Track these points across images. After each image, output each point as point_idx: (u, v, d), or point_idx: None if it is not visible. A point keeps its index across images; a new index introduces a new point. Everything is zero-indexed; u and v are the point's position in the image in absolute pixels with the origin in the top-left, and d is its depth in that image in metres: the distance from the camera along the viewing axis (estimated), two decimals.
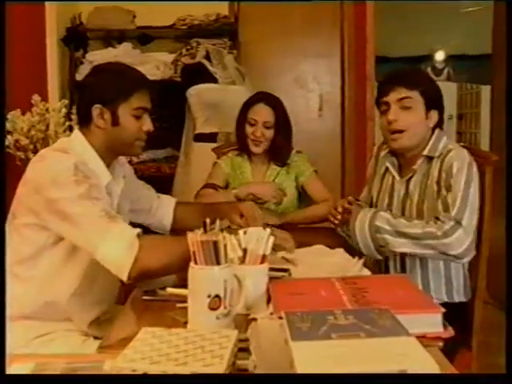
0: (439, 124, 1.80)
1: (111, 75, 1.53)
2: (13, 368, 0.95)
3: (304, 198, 2.37)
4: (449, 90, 8.16)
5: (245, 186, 2.23)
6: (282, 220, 2.16)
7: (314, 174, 2.35)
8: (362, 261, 1.52)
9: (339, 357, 0.76)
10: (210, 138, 3.12)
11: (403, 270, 1.80)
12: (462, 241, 1.59)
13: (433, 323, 1.06)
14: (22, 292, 1.46)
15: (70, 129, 2.65)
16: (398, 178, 1.84)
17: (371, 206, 1.93)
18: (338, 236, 1.85)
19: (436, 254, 1.62)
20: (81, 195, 1.35)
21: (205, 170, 2.52)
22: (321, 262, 1.57)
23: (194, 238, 1.06)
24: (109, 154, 1.54)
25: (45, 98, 2.92)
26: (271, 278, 1.26)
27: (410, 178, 1.80)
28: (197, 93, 3.10)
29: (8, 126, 2.59)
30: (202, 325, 1.04)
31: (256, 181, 2.32)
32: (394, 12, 5.78)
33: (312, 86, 4.04)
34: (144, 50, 3.52)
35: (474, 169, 1.68)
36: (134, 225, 1.77)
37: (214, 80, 3.14)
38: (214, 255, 1.05)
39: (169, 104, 3.27)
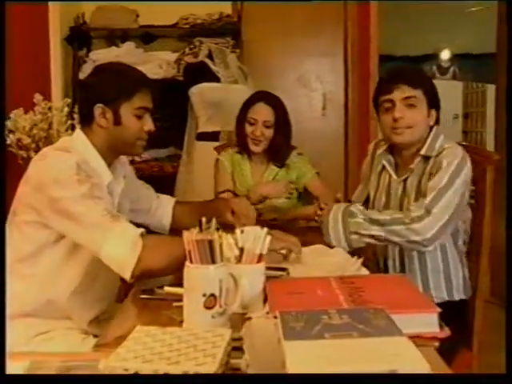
0: (436, 123, 1.80)
1: (113, 75, 1.54)
2: (7, 366, 0.95)
3: (304, 198, 2.37)
4: (454, 89, 8.14)
5: (254, 188, 2.23)
6: (282, 216, 2.16)
7: (316, 175, 2.36)
8: (360, 260, 1.52)
9: (331, 357, 0.76)
10: (212, 136, 3.12)
11: (402, 269, 1.80)
12: (427, 228, 1.59)
13: (429, 323, 1.05)
14: (23, 290, 1.47)
15: (73, 128, 2.65)
16: (395, 177, 1.83)
17: (367, 205, 1.93)
18: None
19: (403, 241, 1.62)
20: (84, 194, 1.36)
21: (207, 168, 2.53)
22: (320, 262, 1.56)
23: (190, 237, 1.06)
24: (110, 154, 1.54)
25: (48, 97, 2.93)
26: (269, 277, 1.26)
27: (407, 177, 1.79)
28: (199, 92, 3.11)
29: (10, 124, 2.60)
30: (197, 324, 1.04)
31: (262, 182, 2.32)
32: (398, 12, 5.77)
33: (315, 86, 4.04)
34: (147, 49, 3.53)
35: (465, 168, 1.67)
36: (135, 224, 1.79)
37: (217, 79, 3.14)
38: (210, 254, 1.05)
39: (171, 103, 3.28)
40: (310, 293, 1.16)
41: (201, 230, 1.09)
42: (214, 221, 1.12)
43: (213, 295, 1.04)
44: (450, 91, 8.11)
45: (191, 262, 1.06)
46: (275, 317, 0.91)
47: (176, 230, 1.79)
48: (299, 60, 3.99)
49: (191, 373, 0.77)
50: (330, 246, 1.71)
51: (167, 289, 1.31)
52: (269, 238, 1.20)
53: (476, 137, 7.97)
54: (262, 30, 3.81)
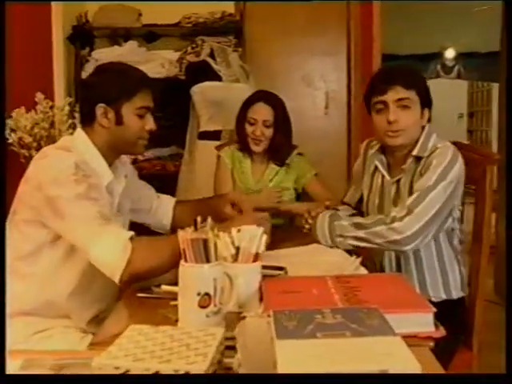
0: (428, 121, 1.77)
1: (114, 75, 1.55)
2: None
3: (303, 199, 2.37)
4: (459, 88, 8.11)
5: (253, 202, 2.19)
6: (278, 207, 2.16)
7: (314, 177, 2.36)
8: (359, 259, 1.52)
9: (322, 356, 0.76)
10: (213, 135, 3.12)
11: (399, 269, 1.79)
12: (407, 226, 1.57)
13: (424, 323, 1.05)
14: (23, 290, 1.48)
15: (74, 127, 2.66)
16: (388, 177, 1.81)
17: (361, 206, 1.92)
18: None
19: (384, 242, 1.61)
20: (78, 195, 1.36)
21: (209, 167, 2.54)
22: (318, 261, 1.56)
23: (184, 236, 1.06)
24: (111, 153, 1.55)
25: (50, 96, 2.94)
26: (267, 276, 1.25)
27: (400, 178, 1.77)
28: (201, 91, 3.11)
29: (12, 123, 2.61)
30: (191, 322, 1.04)
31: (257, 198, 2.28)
32: (401, 11, 5.75)
33: (318, 84, 4.03)
34: (150, 47, 3.53)
35: (455, 167, 1.63)
36: (134, 224, 1.79)
37: (218, 78, 3.14)
38: (204, 253, 1.05)
39: (173, 102, 3.29)
40: (306, 292, 1.16)
41: (196, 229, 1.09)
42: (209, 220, 1.12)
43: (207, 294, 1.04)
44: (454, 90, 8.08)
45: (186, 260, 1.06)
46: (269, 316, 0.91)
47: (177, 230, 1.79)
48: (302, 59, 3.98)
49: (182, 372, 0.77)
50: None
51: (164, 287, 1.31)
52: (265, 237, 1.20)
53: (481, 136, 7.95)
54: (264, 29, 3.81)
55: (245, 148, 2.35)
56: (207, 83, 3.11)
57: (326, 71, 4.03)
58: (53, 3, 3.16)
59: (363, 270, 1.48)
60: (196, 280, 1.05)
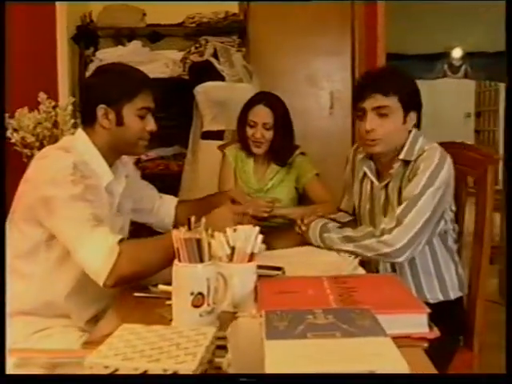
0: (417, 122, 1.73)
1: (115, 76, 1.55)
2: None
3: (303, 199, 2.36)
4: (467, 88, 8.06)
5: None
6: (277, 211, 2.14)
7: (315, 177, 2.34)
8: (357, 260, 1.52)
9: (311, 356, 0.76)
10: (217, 135, 3.13)
11: (393, 269, 1.75)
12: (397, 238, 1.55)
13: (418, 323, 1.04)
14: (23, 289, 1.49)
15: (77, 127, 2.67)
16: (376, 183, 1.78)
17: (354, 214, 1.91)
18: None
19: (375, 255, 1.59)
20: (74, 196, 1.37)
21: (212, 167, 2.55)
22: (316, 261, 1.56)
23: (178, 235, 1.06)
24: (112, 154, 1.55)
25: (54, 96, 2.95)
26: (264, 277, 1.25)
27: (388, 182, 1.73)
28: (204, 90, 3.11)
29: (14, 123, 2.62)
30: (185, 322, 1.05)
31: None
32: (406, 11, 5.71)
33: (323, 84, 4.02)
34: (154, 47, 3.53)
35: (442, 171, 1.60)
36: (136, 224, 1.79)
37: (222, 78, 3.14)
38: (198, 253, 1.06)
39: (177, 102, 3.29)
40: (301, 292, 1.16)
41: (189, 229, 1.09)
42: (203, 220, 1.12)
43: (200, 294, 1.04)
44: (461, 90, 8.03)
45: (179, 260, 1.07)
46: (261, 316, 0.91)
47: None
48: (306, 59, 3.97)
49: (170, 371, 0.77)
50: None
51: (161, 287, 1.31)
52: (260, 236, 1.20)
53: (488, 136, 7.89)
54: (268, 29, 3.80)
55: (246, 150, 2.36)
56: (210, 83, 3.11)
57: (330, 71, 4.02)
58: (57, 3, 3.17)
59: (361, 270, 1.48)
60: (189, 280, 1.05)
